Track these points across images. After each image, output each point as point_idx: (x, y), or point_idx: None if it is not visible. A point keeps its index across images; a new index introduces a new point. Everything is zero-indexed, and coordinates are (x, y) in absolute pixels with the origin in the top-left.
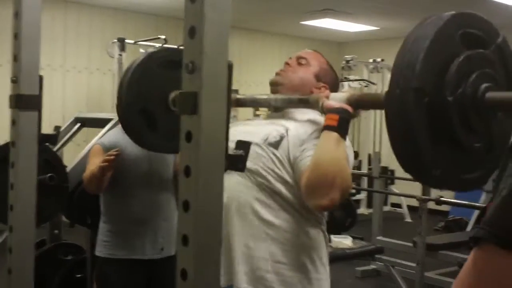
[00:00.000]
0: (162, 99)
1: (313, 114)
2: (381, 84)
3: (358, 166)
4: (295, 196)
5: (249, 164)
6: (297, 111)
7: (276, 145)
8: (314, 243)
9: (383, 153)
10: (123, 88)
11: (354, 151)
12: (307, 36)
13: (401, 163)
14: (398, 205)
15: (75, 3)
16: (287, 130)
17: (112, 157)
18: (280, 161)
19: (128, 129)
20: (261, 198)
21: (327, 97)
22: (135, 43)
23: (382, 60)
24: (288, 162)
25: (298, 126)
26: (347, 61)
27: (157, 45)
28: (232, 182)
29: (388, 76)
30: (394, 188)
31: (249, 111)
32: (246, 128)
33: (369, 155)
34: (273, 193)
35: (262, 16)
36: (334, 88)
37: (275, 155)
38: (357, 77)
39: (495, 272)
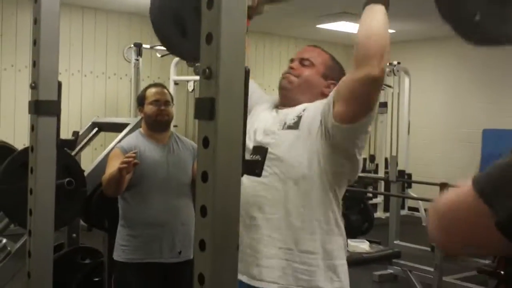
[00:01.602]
0: (194, 3)
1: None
2: (397, 87)
3: (375, 170)
4: (318, 181)
5: (276, 151)
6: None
7: (295, 125)
8: (335, 226)
9: (400, 157)
10: None
11: (371, 155)
12: (323, 39)
13: (441, 6)
14: (416, 209)
15: (92, 9)
16: (303, 109)
17: (130, 159)
18: (300, 139)
19: (158, 33)
20: (282, 189)
21: None
22: (151, 48)
23: (399, 63)
24: (311, 131)
25: (313, 103)
26: None
27: None
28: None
29: (405, 79)
30: (411, 192)
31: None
32: (261, 123)
33: (386, 159)
34: (293, 181)
35: (278, 20)
36: None
37: (295, 135)
38: None
39: (469, 212)
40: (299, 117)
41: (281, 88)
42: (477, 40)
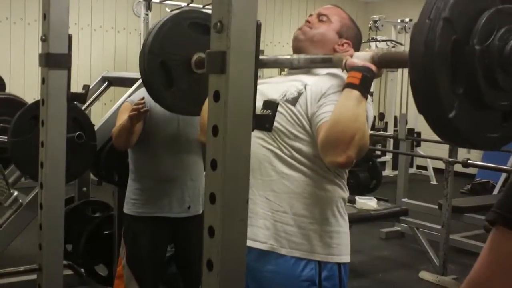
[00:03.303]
0: (184, 58)
1: (334, 69)
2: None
3: (384, 128)
4: (312, 152)
5: None
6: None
7: (293, 101)
8: (334, 196)
9: (409, 115)
10: (149, 36)
11: (380, 113)
12: None
13: (416, 99)
14: (424, 168)
15: None
16: (305, 86)
17: (140, 105)
18: (297, 117)
19: (144, 77)
20: (278, 153)
21: (351, 56)
22: (161, 2)
23: (411, 20)
24: (306, 117)
25: (317, 80)
26: (375, 21)
27: (183, 4)
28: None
29: None
30: (420, 151)
31: (274, 70)
32: (264, 86)
33: (395, 117)
34: (290, 149)
35: None
36: (357, 43)
37: (292, 111)
38: (384, 38)
39: (505, 254)
40: (299, 94)
41: (294, 39)
42: (450, 137)
